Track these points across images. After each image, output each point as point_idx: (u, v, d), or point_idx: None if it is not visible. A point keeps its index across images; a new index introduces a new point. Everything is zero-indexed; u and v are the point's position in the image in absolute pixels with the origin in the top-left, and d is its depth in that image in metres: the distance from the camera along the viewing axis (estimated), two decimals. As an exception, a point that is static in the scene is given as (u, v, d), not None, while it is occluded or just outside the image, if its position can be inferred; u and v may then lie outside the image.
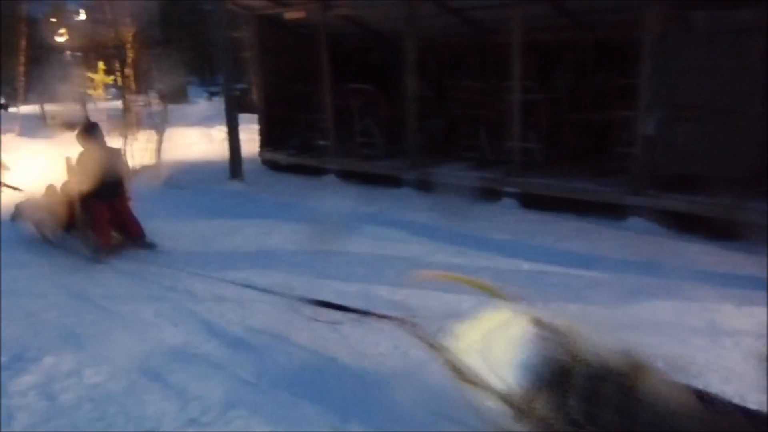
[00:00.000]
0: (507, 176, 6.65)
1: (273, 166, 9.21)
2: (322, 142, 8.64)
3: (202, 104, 18.54)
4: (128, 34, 9.87)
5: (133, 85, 10.90)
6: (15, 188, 7.53)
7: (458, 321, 2.48)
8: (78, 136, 5.28)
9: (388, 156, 8.00)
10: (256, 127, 9.62)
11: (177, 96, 11.55)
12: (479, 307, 2.60)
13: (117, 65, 11.03)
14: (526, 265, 4.64)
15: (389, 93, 8.17)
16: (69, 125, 11.51)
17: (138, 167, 8.39)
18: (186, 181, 8.26)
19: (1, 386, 3.04)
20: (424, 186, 7.15)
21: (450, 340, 2.36)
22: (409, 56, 7.24)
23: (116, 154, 5.71)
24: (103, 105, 12.72)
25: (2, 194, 7.59)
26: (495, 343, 2.32)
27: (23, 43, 15.09)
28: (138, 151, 8.89)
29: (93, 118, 10.36)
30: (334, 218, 6.13)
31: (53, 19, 13.88)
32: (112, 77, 11.85)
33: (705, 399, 2.04)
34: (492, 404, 2.12)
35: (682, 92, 5.42)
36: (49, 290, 4.47)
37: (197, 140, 11.09)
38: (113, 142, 6.52)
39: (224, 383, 3.00)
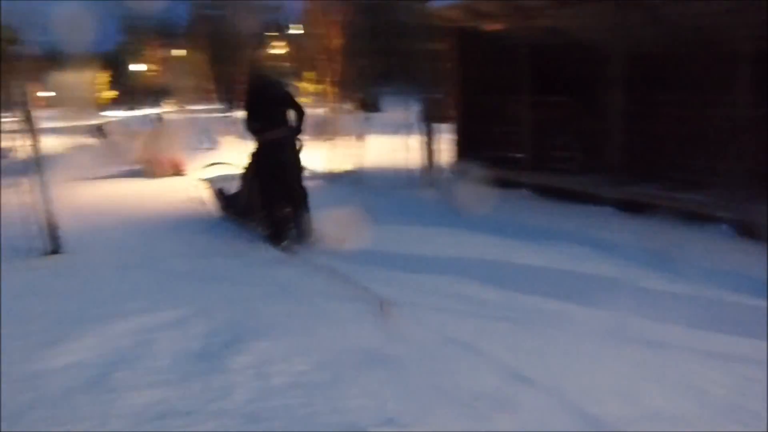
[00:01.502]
0: (724, 201, 6.03)
1: (465, 177, 9.25)
2: (516, 155, 8.53)
3: (397, 113, 19.20)
4: (336, 45, 10.53)
5: (335, 94, 11.58)
6: (223, 164, 8.12)
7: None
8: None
9: (586, 172, 7.68)
10: (449, 137, 9.75)
11: (374, 105, 12.07)
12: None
13: (322, 75, 11.79)
14: (752, 302, 4.17)
15: (590, 106, 7.84)
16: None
17: (339, 171, 8.95)
18: (382, 187, 8.61)
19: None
20: (626, 206, 6.74)
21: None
22: (613, 68, 6.88)
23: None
24: (309, 112, 13.63)
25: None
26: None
27: (244, 54, 17.02)
28: (339, 156, 9.42)
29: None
30: (527, 233, 6.01)
31: (271, 33, 15.26)
32: (318, 86, 12.77)
33: None
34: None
35: None
36: (260, 280, 4.88)
37: (392, 148, 11.50)
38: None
39: (417, 391, 3.05)
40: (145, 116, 12.58)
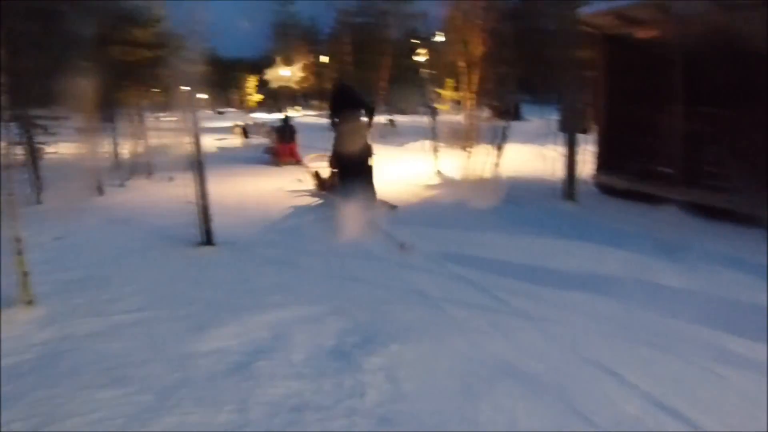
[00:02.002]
0: None
1: (607, 190, 8.85)
2: (664, 170, 8.00)
3: (535, 122, 18.76)
4: (477, 53, 10.44)
5: (474, 101, 11.49)
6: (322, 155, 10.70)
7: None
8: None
9: (742, 190, 7.04)
10: (589, 148, 9.36)
11: (513, 113, 11.85)
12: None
13: (462, 82, 11.74)
14: None
15: (749, 119, 7.18)
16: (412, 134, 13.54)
17: (476, 179, 8.90)
18: (519, 197, 8.42)
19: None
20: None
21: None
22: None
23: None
24: (447, 118, 13.77)
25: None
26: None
27: (386, 60, 17.44)
28: (476, 163, 9.34)
29: (437, 131, 11.29)
30: (673, 252, 5.61)
31: (414, 41, 15.52)
32: (457, 93, 12.77)
33: None
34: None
35: None
36: (394, 283, 4.94)
37: (530, 158, 11.25)
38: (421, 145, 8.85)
39: (550, 411, 2.93)
40: (283, 118, 15.64)
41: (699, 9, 6.98)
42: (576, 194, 8.13)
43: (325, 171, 9.56)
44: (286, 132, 15.36)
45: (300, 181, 11.12)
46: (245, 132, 22.37)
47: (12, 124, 4.57)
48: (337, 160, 8.61)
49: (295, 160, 14.26)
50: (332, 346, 3.69)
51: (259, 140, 19.91)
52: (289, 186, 10.76)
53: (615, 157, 9.03)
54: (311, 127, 21.64)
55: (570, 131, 8.42)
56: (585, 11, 8.88)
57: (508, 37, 10.68)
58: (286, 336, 3.83)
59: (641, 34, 8.30)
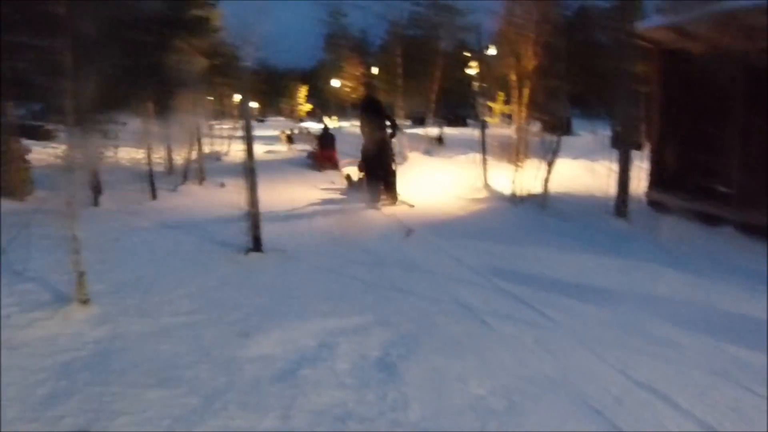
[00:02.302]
0: None
1: (660, 208, 8.60)
2: (721, 189, 7.74)
3: (585, 137, 18.54)
4: (529, 66, 10.35)
5: (524, 115, 11.38)
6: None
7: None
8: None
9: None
10: (641, 164, 9.14)
11: (562, 127, 11.68)
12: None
13: (513, 95, 11.66)
14: None
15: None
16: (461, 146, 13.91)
17: (525, 194, 8.82)
18: (569, 213, 8.27)
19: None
20: None
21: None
22: None
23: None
24: (497, 131, 13.69)
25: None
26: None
27: (437, 72, 17.62)
28: (525, 178, 9.24)
29: (486, 144, 11.22)
30: (731, 275, 5.42)
31: (466, 53, 15.55)
32: (508, 107, 12.69)
33: None
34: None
35: None
36: (439, 295, 4.90)
37: (581, 173, 11.06)
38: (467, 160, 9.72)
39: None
40: (324, 127, 17.01)
41: (761, 23, 6.75)
42: (628, 212, 7.92)
43: (356, 174, 11.06)
44: (326, 140, 16.63)
45: (333, 183, 12.72)
46: (290, 139, 24.19)
47: (75, 128, 4.72)
48: (364, 164, 10.12)
49: (334, 166, 15.40)
50: (377, 357, 3.68)
51: (304, 147, 21.74)
52: (324, 190, 12.03)
53: (669, 174, 8.80)
54: (357, 136, 22.01)
55: (623, 147, 8.23)
56: (642, 25, 8.71)
57: (561, 50, 10.54)
58: (331, 345, 3.84)
59: (699, 48, 8.07)
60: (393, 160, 9.87)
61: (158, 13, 11.33)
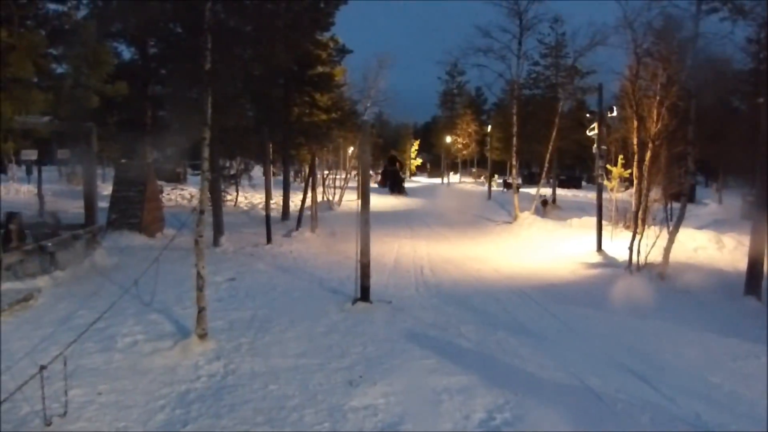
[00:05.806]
0: None
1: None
2: None
3: (712, 206, 17.41)
4: (653, 130, 9.97)
5: (645, 180, 10.93)
6: None
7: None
8: None
9: None
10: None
11: (685, 194, 11.08)
12: None
13: (633, 159, 11.25)
14: None
15: None
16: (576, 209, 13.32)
17: (644, 263, 8.37)
18: (691, 287, 7.75)
19: None
20: None
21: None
22: None
23: None
24: (615, 195, 13.21)
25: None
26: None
27: (553, 132, 17.70)
28: (644, 246, 8.82)
29: (603, 207, 10.83)
30: None
31: (587, 114, 15.38)
32: (628, 170, 12.25)
33: None
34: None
35: None
36: (546, 362, 4.71)
37: (705, 244, 10.38)
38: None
39: None
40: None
41: None
42: (761, 290, 7.31)
43: None
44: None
45: None
46: (403, 192, 27.55)
47: (209, 172, 5.06)
48: None
49: None
50: (480, 419, 3.58)
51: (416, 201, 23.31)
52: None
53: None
54: (469, 194, 22.12)
55: (757, 219, 7.68)
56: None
57: (688, 113, 10.09)
58: (435, 403, 3.78)
59: None
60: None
61: (287, 69, 12.00)
